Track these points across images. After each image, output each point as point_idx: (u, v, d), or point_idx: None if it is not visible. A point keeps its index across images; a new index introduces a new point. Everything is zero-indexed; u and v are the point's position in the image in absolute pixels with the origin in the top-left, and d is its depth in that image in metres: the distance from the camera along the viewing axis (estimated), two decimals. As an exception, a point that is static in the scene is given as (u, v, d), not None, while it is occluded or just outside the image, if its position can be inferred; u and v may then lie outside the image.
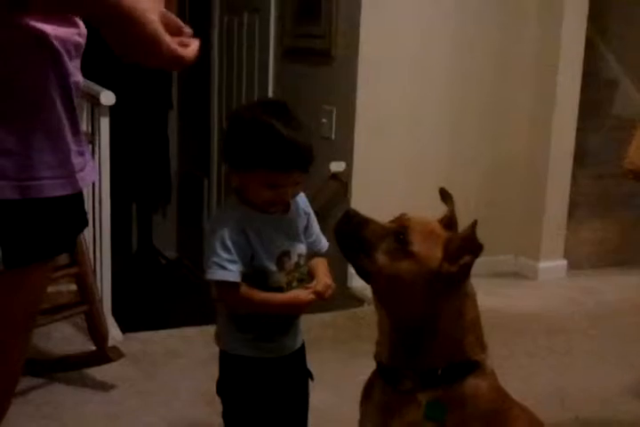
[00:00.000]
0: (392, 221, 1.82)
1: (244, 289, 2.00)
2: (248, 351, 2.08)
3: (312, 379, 2.23)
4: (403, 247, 1.73)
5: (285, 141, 1.94)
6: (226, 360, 2.15)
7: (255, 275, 2.02)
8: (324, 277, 2.09)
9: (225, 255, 1.97)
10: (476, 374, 1.77)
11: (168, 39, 1.30)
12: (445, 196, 1.90)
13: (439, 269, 1.70)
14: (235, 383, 2.14)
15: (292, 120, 2.00)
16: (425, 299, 1.73)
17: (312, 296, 2.02)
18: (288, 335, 2.10)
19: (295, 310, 2.06)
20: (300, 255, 2.08)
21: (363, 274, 1.80)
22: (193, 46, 1.37)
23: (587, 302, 4.26)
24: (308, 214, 2.14)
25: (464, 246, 1.70)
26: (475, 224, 1.69)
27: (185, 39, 1.36)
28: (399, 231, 1.75)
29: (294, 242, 2.08)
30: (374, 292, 1.81)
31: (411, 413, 1.73)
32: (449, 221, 1.85)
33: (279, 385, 2.14)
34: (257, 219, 2.02)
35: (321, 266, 2.14)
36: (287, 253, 2.05)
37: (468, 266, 1.72)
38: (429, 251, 1.72)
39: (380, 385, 1.83)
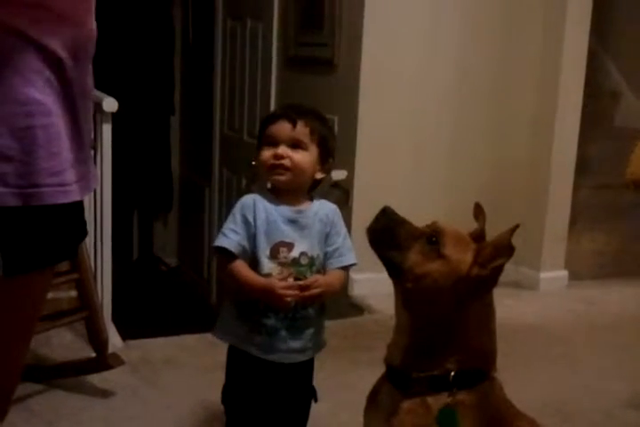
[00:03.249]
0: (425, 227, 1.85)
1: (238, 264, 2.05)
2: (236, 341, 2.10)
3: (316, 400, 2.22)
4: (435, 249, 1.76)
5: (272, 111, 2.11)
6: (228, 354, 2.16)
7: (251, 258, 2.05)
8: (317, 276, 2.08)
9: (230, 225, 2.06)
10: (486, 384, 1.78)
11: None
12: (478, 212, 1.92)
13: (469, 272, 1.73)
14: (231, 380, 2.15)
15: (288, 104, 2.18)
16: (451, 302, 1.75)
17: (286, 291, 2.00)
18: (279, 336, 2.08)
19: (269, 299, 2.02)
20: (303, 253, 2.08)
21: (393, 270, 1.81)
22: None
23: (587, 313, 4.25)
24: (332, 222, 2.16)
25: (497, 250, 1.74)
26: (515, 229, 1.74)
27: None
28: (432, 234, 1.79)
29: (303, 239, 2.09)
30: (400, 291, 1.82)
31: (420, 416, 1.73)
32: (479, 237, 1.86)
33: (271, 391, 2.13)
34: (274, 204, 2.08)
35: (330, 273, 2.14)
36: (288, 245, 2.06)
37: (499, 269, 1.74)
38: (460, 254, 1.76)
39: (387, 389, 1.82)
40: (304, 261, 2.09)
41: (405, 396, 1.77)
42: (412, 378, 1.77)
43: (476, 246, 1.78)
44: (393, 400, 1.79)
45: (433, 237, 1.78)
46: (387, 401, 1.81)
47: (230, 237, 2.04)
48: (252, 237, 2.04)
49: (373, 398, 1.86)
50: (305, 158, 2.08)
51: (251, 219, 2.04)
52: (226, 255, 2.05)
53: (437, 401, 1.73)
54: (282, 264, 2.06)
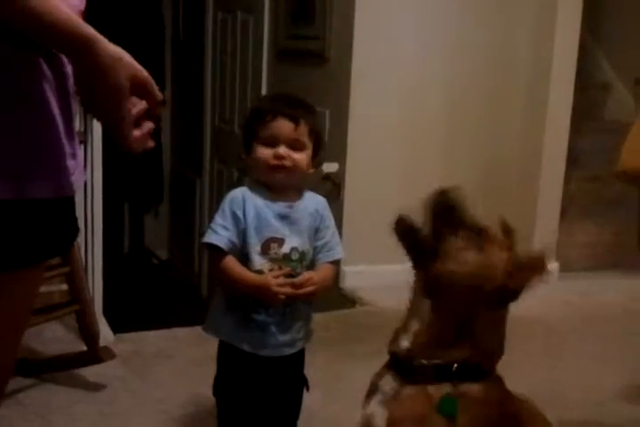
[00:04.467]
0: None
1: (229, 260, 2.03)
2: (227, 337, 2.10)
3: (307, 389, 2.22)
4: (478, 241, 1.76)
5: (269, 102, 2.15)
6: (219, 349, 2.16)
7: (241, 254, 2.04)
8: (311, 273, 2.08)
9: (219, 221, 2.04)
10: (489, 379, 1.79)
11: (127, 116, 1.28)
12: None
13: (502, 282, 1.73)
14: (222, 375, 2.15)
15: (281, 95, 2.22)
16: (476, 301, 1.75)
17: (281, 289, 2.00)
18: (268, 331, 2.08)
19: (264, 296, 2.02)
20: (294, 249, 2.08)
21: (428, 250, 1.78)
22: (143, 130, 1.33)
23: (579, 305, 4.26)
24: (322, 216, 2.15)
25: (531, 267, 1.75)
26: (545, 255, 1.76)
27: (143, 122, 1.33)
28: (481, 228, 1.79)
29: (293, 234, 2.08)
30: (426, 277, 1.79)
31: (419, 403, 1.74)
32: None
33: (263, 384, 2.13)
34: (263, 198, 2.06)
35: (321, 269, 2.13)
36: (279, 241, 2.06)
37: (525, 287, 1.74)
38: (498, 256, 1.76)
39: (389, 377, 1.83)
40: (295, 256, 2.08)
41: (407, 383, 1.78)
42: (416, 365, 1.78)
43: (509, 254, 1.78)
44: (394, 387, 1.79)
45: (480, 230, 1.78)
46: (387, 387, 1.81)
47: (220, 233, 2.03)
48: (242, 233, 2.03)
49: (375, 386, 1.86)
50: (304, 157, 2.07)
51: (240, 214, 2.03)
52: (216, 251, 2.04)
53: (439, 390, 1.75)
54: (273, 260, 2.06)
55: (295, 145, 2.05)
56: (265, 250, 2.05)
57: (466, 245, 1.76)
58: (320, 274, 2.09)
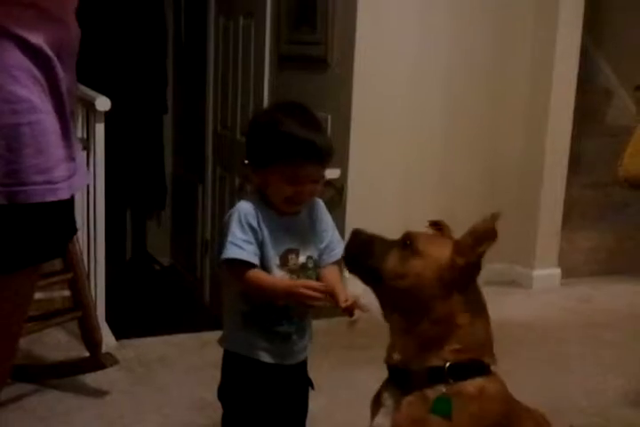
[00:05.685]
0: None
1: (256, 271, 1.99)
2: (250, 351, 2.07)
3: (313, 388, 2.22)
4: (410, 249, 1.80)
5: (298, 136, 1.98)
6: (228, 361, 2.14)
7: (260, 267, 2.01)
8: (342, 291, 2.05)
9: (241, 235, 1.98)
10: (485, 377, 1.79)
11: None
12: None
13: (452, 262, 1.76)
14: (235, 387, 2.12)
15: (306, 116, 2.04)
16: (436, 294, 1.77)
17: (317, 294, 1.96)
18: (291, 340, 2.08)
19: (295, 297, 1.97)
20: (309, 257, 2.08)
21: (373, 277, 1.86)
22: None
23: (581, 311, 4.26)
24: (320, 219, 2.14)
25: (478, 236, 1.77)
26: (496, 217, 1.81)
27: None
28: (405, 239, 1.83)
29: (304, 243, 2.08)
30: (385, 295, 1.86)
31: (417, 408, 1.75)
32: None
33: (280, 392, 2.13)
34: (271, 215, 2.03)
35: (334, 275, 2.13)
36: (294, 252, 2.05)
37: (483, 254, 1.77)
38: (436, 248, 1.80)
39: (390, 390, 1.84)
40: (310, 264, 2.08)
41: (406, 392, 1.78)
42: (412, 372, 1.79)
43: (452, 240, 1.83)
44: (396, 399, 1.80)
45: (407, 241, 1.82)
46: (389, 400, 1.82)
47: (245, 247, 1.97)
48: (260, 246, 2.00)
49: (378, 400, 1.87)
50: (321, 185, 2.07)
51: (257, 227, 1.99)
52: (243, 266, 1.98)
53: (435, 393, 1.75)
54: (291, 271, 2.05)
55: (318, 178, 2.04)
56: (284, 262, 2.03)
57: (402, 257, 1.81)
58: (339, 283, 2.10)
